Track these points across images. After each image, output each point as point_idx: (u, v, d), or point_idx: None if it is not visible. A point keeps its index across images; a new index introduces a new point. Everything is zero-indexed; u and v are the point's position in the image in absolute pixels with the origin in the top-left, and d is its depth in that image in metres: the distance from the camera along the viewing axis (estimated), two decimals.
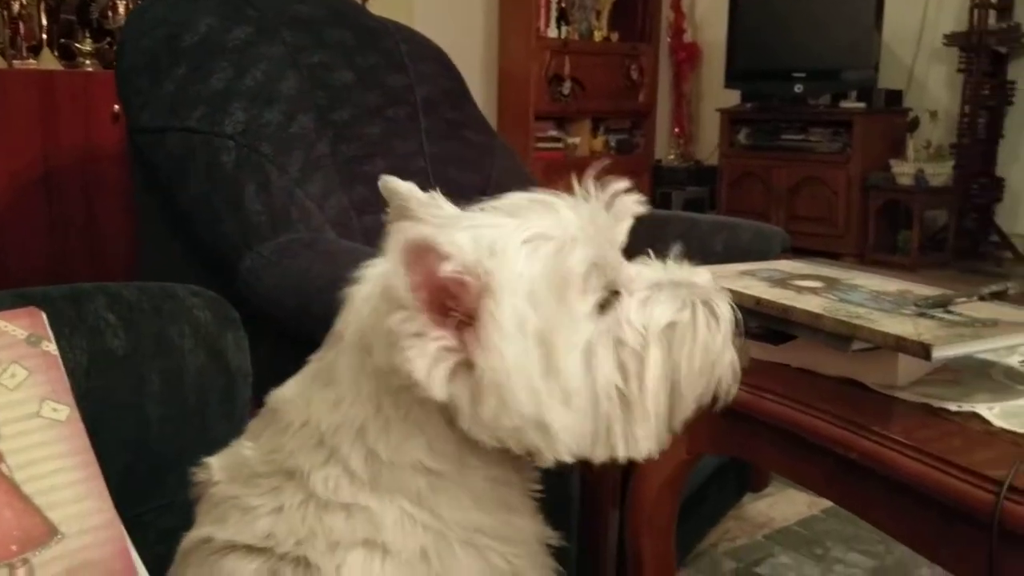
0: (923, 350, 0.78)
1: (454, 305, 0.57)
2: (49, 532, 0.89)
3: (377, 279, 0.63)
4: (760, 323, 0.96)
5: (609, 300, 0.62)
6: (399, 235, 0.57)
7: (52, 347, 0.98)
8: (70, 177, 2.42)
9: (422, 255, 0.55)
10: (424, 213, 0.66)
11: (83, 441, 0.95)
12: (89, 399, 1.01)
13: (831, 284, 0.97)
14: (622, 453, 0.62)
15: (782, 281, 0.98)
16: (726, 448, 0.99)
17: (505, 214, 0.63)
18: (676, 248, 0.71)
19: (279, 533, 0.62)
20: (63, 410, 0.96)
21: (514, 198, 0.65)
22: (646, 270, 0.68)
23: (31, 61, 2.57)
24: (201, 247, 1.52)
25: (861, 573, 1.66)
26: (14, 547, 0.86)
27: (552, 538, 0.72)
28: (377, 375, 0.61)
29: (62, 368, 0.98)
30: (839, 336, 0.84)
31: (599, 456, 0.62)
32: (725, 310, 0.67)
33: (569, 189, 0.71)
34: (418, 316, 0.56)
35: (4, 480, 0.88)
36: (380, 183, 0.71)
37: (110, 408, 1.05)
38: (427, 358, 0.57)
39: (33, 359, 0.95)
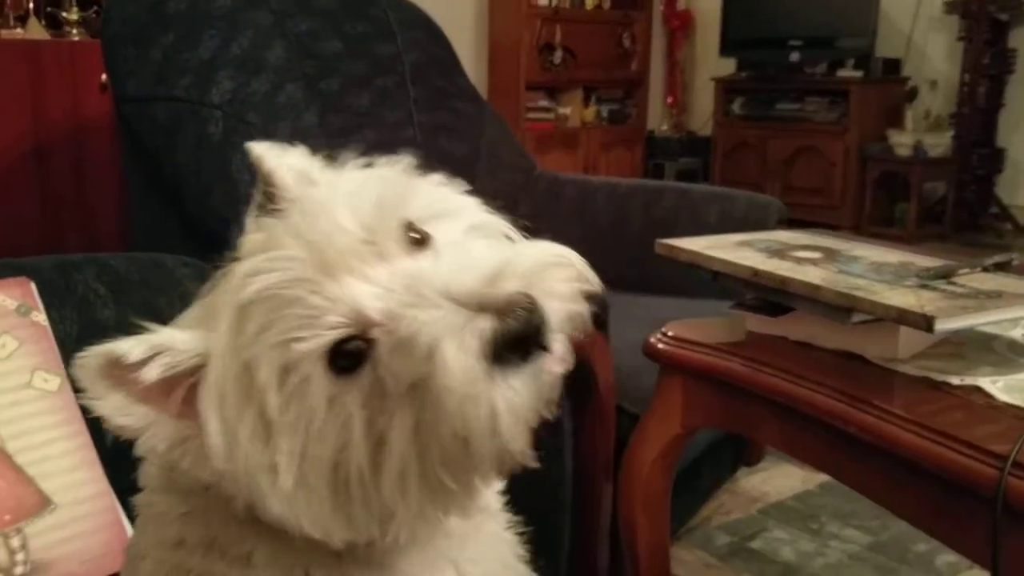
0: (925, 322, 0.77)
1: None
2: (42, 502, 0.88)
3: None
4: (757, 295, 0.95)
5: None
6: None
7: (42, 317, 0.97)
8: (59, 147, 2.38)
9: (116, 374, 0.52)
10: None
11: (75, 411, 0.94)
12: None
13: (830, 255, 0.96)
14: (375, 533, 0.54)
15: (780, 252, 0.97)
16: (721, 422, 0.98)
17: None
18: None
19: (188, 536, 0.59)
20: (54, 380, 0.95)
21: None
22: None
23: (18, 30, 2.52)
24: (190, 217, 1.50)
25: (857, 549, 1.66)
26: (7, 517, 0.85)
27: None
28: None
29: (52, 338, 0.96)
30: (839, 308, 0.83)
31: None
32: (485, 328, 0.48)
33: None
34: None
35: None
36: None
37: None
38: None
39: (24, 329, 0.94)
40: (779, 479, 1.92)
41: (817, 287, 0.85)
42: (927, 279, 0.89)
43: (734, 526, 1.75)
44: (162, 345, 0.53)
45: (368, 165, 0.60)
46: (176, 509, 0.59)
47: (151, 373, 0.52)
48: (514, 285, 0.49)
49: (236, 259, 0.56)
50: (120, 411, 0.53)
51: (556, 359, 0.52)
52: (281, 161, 0.63)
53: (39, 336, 0.95)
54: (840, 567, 1.61)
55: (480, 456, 0.49)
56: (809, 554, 1.64)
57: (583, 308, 0.54)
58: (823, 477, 1.89)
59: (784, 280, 0.87)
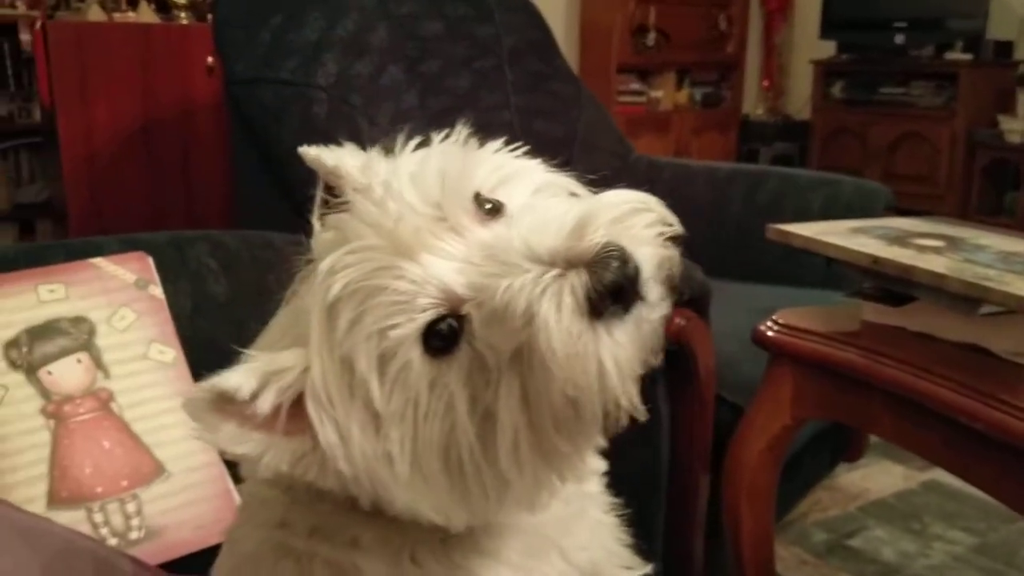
0: None
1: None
2: (157, 469, 0.91)
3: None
4: (876, 283, 0.92)
5: None
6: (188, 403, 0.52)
7: (159, 291, 1.00)
8: (167, 128, 2.47)
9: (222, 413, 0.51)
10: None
11: (188, 383, 0.97)
12: (192, 343, 1.03)
13: (954, 243, 0.92)
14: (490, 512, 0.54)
15: (900, 239, 0.93)
16: (834, 413, 0.95)
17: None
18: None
19: (293, 520, 0.59)
20: (169, 352, 0.98)
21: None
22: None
23: (130, 14, 2.62)
24: (294, 198, 1.52)
25: (962, 551, 1.60)
26: (124, 482, 0.89)
27: None
28: None
29: (168, 312, 1.00)
30: (966, 299, 0.80)
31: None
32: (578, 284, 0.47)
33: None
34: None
35: (115, 419, 0.91)
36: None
37: (212, 352, 1.07)
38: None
39: (141, 302, 0.97)
40: (880, 476, 1.86)
41: (942, 276, 0.81)
42: None
43: (832, 523, 1.70)
44: (271, 372, 0.52)
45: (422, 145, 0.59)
46: (281, 497, 0.60)
47: (265, 404, 0.51)
48: (599, 236, 0.47)
49: (310, 261, 0.56)
50: (236, 441, 0.52)
51: (655, 305, 0.50)
52: (342, 157, 0.63)
53: (156, 309, 0.98)
54: (944, 569, 1.55)
55: (591, 414, 0.48)
56: (911, 555, 1.59)
57: (672, 251, 0.52)
58: (925, 475, 1.82)
59: (907, 268, 0.83)
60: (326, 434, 0.51)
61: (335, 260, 0.51)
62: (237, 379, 0.51)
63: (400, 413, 0.50)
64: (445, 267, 0.50)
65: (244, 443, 0.52)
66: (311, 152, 0.64)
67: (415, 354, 0.49)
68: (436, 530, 0.55)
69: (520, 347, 0.47)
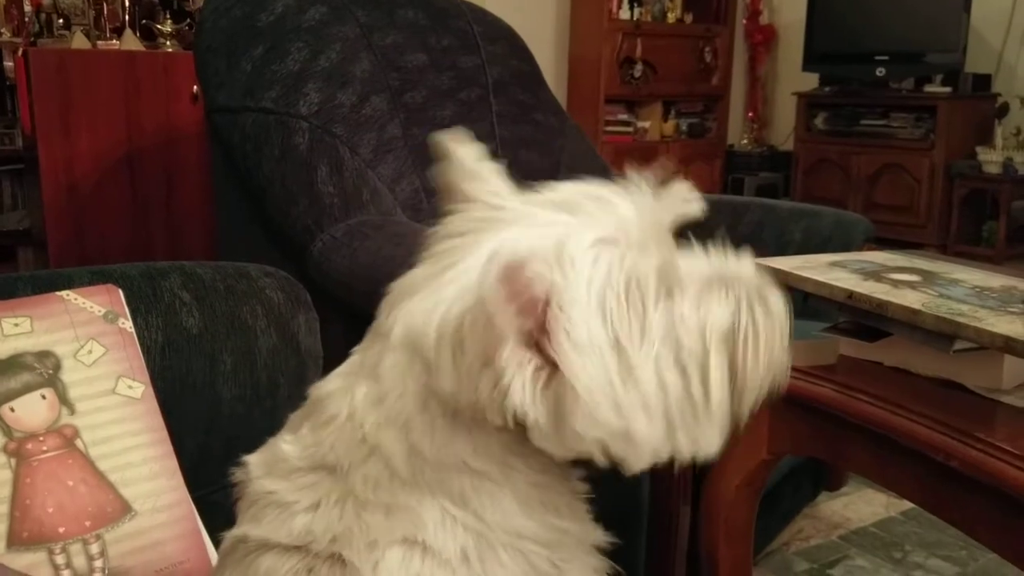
0: None
1: (527, 321, 0.54)
2: (122, 509, 0.89)
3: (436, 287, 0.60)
4: (852, 318, 0.91)
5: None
6: (494, 257, 0.53)
7: (128, 324, 0.98)
8: (151, 156, 2.46)
9: (518, 279, 0.52)
10: (481, 194, 0.64)
11: (157, 419, 0.96)
12: (163, 377, 1.02)
13: (929, 278, 0.92)
14: (687, 455, 0.61)
15: (875, 274, 0.93)
16: (810, 449, 0.94)
17: (562, 210, 0.60)
18: (720, 234, 0.67)
19: (316, 530, 0.60)
20: (138, 387, 0.96)
21: (566, 191, 0.62)
22: (694, 263, 0.64)
23: (114, 42, 2.62)
24: (274, 228, 1.52)
25: None
26: (88, 523, 0.87)
27: (603, 541, 0.70)
28: (426, 376, 0.59)
29: (138, 345, 0.98)
30: (940, 335, 0.79)
31: (666, 460, 0.61)
32: (779, 305, 0.63)
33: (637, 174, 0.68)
34: (514, 345, 0.54)
35: (80, 456, 0.89)
36: (434, 139, 0.67)
37: (183, 387, 1.05)
38: (524, 385, 0.54)
39: (110, 336, 0.96)
40: (861, 505, 1.86)
41: (917, 312, 0.81)
42: None
43: (814, 552, 1.69)
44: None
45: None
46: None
47: (540, 288, 0.53)
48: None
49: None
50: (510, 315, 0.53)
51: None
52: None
53: (125, 343, 0.97)
54: None
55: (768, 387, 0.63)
56: None
57: None
58: (907, 504, 1.82)
59: (881, 304, 0.83)
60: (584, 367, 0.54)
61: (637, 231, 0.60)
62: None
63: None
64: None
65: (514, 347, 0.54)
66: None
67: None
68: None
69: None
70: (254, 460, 0.67)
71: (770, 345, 0.62)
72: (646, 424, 0.57)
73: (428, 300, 0.59)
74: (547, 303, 0.54)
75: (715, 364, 0.60)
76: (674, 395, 0.58)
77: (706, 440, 0.61)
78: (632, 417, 0.56)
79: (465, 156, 0.66)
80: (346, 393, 0.62)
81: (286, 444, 0.64)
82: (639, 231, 0.59)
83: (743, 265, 0.65)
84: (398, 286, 0.63)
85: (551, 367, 0.55)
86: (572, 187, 0.63)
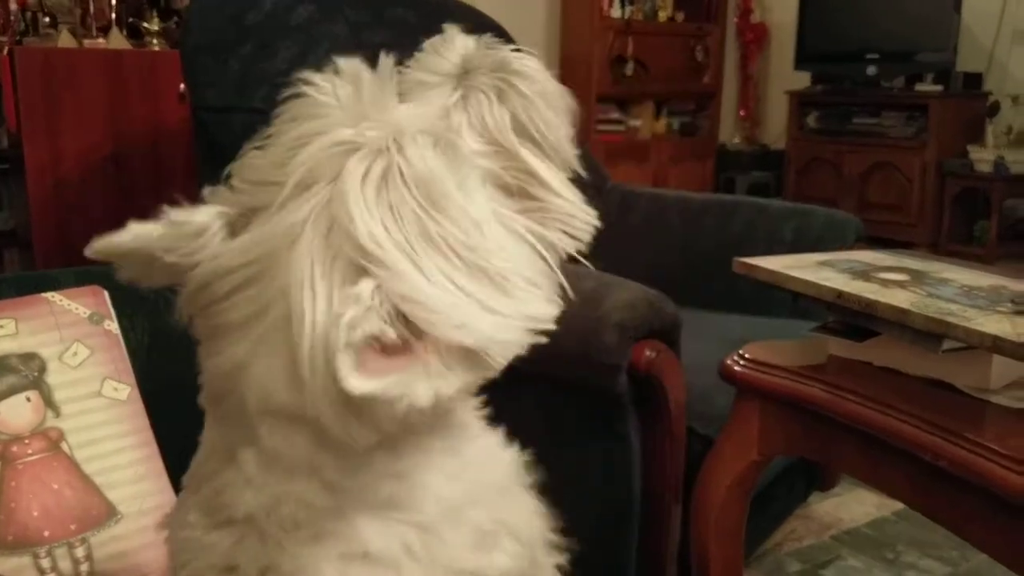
0: (1022, 351, 0.73)
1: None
2: (108, 512, 0.89)
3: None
4: (841, 317, 0.91)
5: None
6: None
7: (114, 326, 0.98)
8: (137, 155, 2.44)
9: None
10: None
11: (143, 421, 0.95)
12: (149, 379, 1.01)
13: (918, 277, 0.92)
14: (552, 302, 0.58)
15: (864, 273, 0.93)
16: (801, 450, 0.94)
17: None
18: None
19: (241, 562, 0.58)
20: (124, 389, 0.95)
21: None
22: (420, 106, 0.59)
23: (100, 40, 2.60)
24: None
25: None
26: (74, 526, 0.86)
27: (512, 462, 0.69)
28: (312, 425, 0.54)
29: (123, 347, 0.97)
30: (929, 334, 0.79)
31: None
32: (519, 62, 0.62)
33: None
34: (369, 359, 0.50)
35: (65, 459, 0.88)
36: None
37: (169, 388, 1.05)
38: (406, 381, 0.51)
39: (96, 338, 0.95)
40: (853, 505, 1.85)
41: (905, 311, 0.80)
42: (1022, 304, 0.83)
43: (806, 553, 1.69)
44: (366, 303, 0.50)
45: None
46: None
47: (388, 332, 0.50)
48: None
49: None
50: (409, 379, 0.50)
51: None
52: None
53: (110, 345, 0.96)
54: None
55: None
56: None
57: None
58: (899, 504, 1.82)
59: (870, 303, 0.83)
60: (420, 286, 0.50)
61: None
62: (375, 324, 0.49)
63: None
64: None
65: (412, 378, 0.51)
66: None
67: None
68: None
69: None
70: (166, 520, 0.65)
71: (545, 95, 0.62)
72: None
73: (258, 363, 0.54)
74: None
75: (527, 154, 0.59)
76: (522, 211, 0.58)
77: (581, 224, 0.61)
78: (485, 296, 0.53)
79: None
80: (233, 468, 0.58)
81: (190, 514, 0.62)
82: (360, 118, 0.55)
83: (466, 56, 0.62)
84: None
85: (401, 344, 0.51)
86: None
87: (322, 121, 0.55)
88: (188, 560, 0.61)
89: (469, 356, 0.53)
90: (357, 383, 0.48)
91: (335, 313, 0.49)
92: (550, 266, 0.58)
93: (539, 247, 0.58)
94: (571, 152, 0.63)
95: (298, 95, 0.58)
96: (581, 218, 0.61)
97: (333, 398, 0.50)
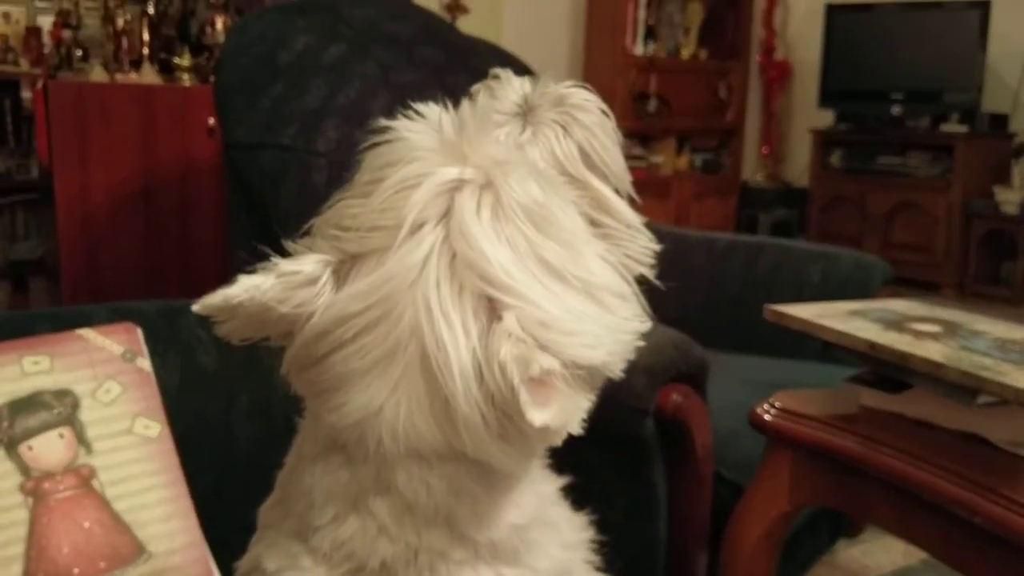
0: None
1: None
2: (137, 550, 0.89)
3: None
4: (873, 368, 0.91)
5: None
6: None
7: (147, 364, 0.98)
8: (167, 190, 2.47)
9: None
10: None
11: (173, 459, 0.95)
12: (179, 417, 1.02)
13: (951, 329, 0.91)
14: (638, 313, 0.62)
15: (897, 324, 0.92)
16: (832, 501, 0.93)
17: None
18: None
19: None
20: (155, 427, 0.96)
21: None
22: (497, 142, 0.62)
23: (132, 75, 2.65)
24: None
25: None
26: (103, 564, 0.86)
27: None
28: (453, 466, 0.56)
29: (155, 385, 0.98)
30: (963, 388, 0.78)
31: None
32: (574, 95, 0.65)
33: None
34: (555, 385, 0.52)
35: (96, 496, 0.88)
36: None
37: (199, 426, 1.05)
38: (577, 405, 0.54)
39: (128, 375, 0.96)
40: (879, 553, 1.83)
41: (940, 365, 0.80)
42: None
43: None
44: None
45: None
46: None
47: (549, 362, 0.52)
48: None
49: None
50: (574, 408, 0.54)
51: None
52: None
53: (143, 382, 0.96)
54: None
55: None
56: None
57: None
58: (925, 553, 1.79)
59: (903, 355, 0.82)
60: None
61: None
62: (549, 361, 0.51)
63: None
64: None
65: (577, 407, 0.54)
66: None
67: None
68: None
69: None
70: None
71: (603, 125, 0.65)
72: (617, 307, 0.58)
73: (396, 406, 0.54)
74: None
75: (595, 182, 0.63)
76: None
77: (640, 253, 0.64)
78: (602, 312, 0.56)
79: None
80: (362, 516, 0.59)
81: (303, 560, 0.62)
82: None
83: (527, 95, 0.65)
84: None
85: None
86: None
87: (423, 163, 0.56)
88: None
89: (590, 377, 0.55)
90: (539, 415, 0.50)
91: (492, 348, 0.51)
92: (630, 284, 0.61)
93: (619, 267, 0.61)
94: (627, 178, 0.66)
95: (388, 140, 0.59)
96: (642, 242, 0.64)
97: (494, 431, 0.52)
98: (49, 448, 0.87)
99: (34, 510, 0.84)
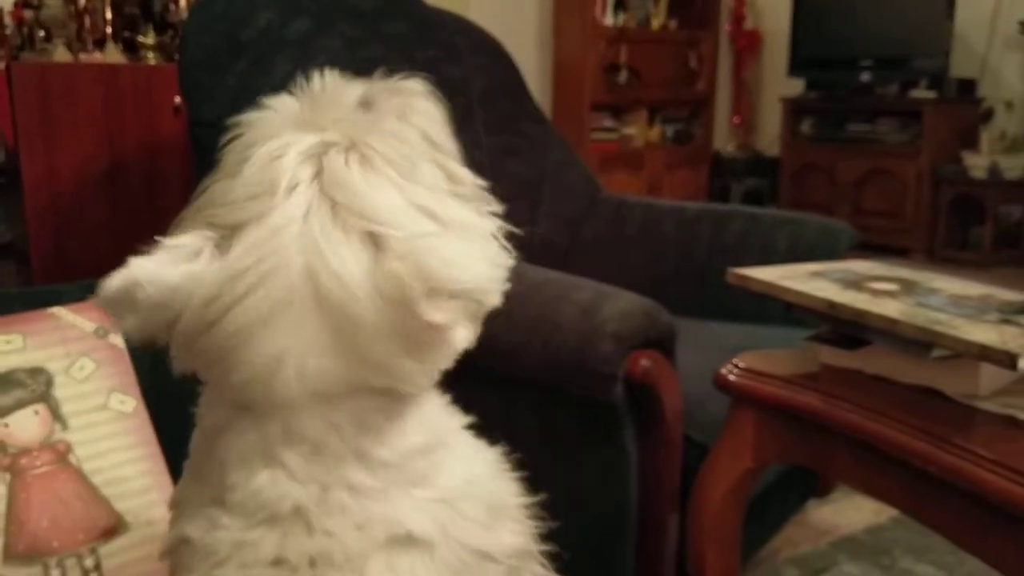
0: (1009, 359, 0.75)
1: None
2: (116, 523, 0.90)
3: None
4: (833, 327, 0.93)
5: None
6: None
7: (119, 340, 0.99)
8: (133, 169, 2.45)
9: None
10: None
11: (149, 433, 0.96)
12: (154, 391, 1.03)
13: (908, 287, 0.93)
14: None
15: (856, 283, 0.95)
16: (795, 457, 0.96)
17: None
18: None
19: (290, 554, 0.62)
20: (130, 402, 0.97)
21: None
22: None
23: (96, 54, 2.61)
24: None
25: None
26: (82, 536, 0.88)
27: None
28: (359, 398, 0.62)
29: (128, 360, 0.99)
30: (918, 343, 0.81)
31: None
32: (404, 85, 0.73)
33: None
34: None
35: (73, 471, 0.90)
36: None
37: (174, 400, 1.06)
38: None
39: (102, 351, 0.97)
40: (850, 511, 1.87)
41: (895, 321, 0.82)
42: (1009, 314, 0.85)
43: (803, 559, 1.70)
44: None
45: None
46: None
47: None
48: None
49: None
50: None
51: None
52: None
53: (116, 358, 0.98)
54: None
55: None
56: None
57: None
58: (895, 511, 1.83)
59: (861, 313, 0.85)
60: None
61: None
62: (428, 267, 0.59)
63: None
64: None
65: None
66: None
67: None
68: None
69: None
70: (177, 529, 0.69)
71: (437, 113, 0.72)
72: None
73: (297, 346, 0.59)
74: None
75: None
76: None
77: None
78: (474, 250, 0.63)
79: None
80: (271, 468, 0.62)
81: (221, 519, 0.64)
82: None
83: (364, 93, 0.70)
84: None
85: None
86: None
87: (287, 136, 0.62)
88: (226, 557, 0.63)
89: (470, 303, 0.61)
90: (436, 314, 0.57)
91: (386, 268, 0.57)
92: (491, 226, 0.67)
93: (477, 212, 0.67)
94: (458, 155, 0.72)
95: (242, 121, 0.68)
96: (491, 204, 0.70)
97: (398, 346, 0.58)
98: (24, 425, 0.88)
99: (12, 485, 0.85)
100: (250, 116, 0.68)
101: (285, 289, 0.58)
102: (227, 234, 0.61)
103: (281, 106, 0.68)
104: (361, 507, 0.62)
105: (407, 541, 0.62)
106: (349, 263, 0.58)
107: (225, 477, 0.64)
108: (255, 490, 0.62)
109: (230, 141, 0.68)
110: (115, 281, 0.61)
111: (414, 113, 0.69)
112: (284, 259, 0.58)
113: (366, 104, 0.69)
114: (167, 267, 0.60)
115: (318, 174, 0.61)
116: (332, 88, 0.69)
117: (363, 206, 0.59)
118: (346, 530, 0.61)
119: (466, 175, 0.69)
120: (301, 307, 0.58)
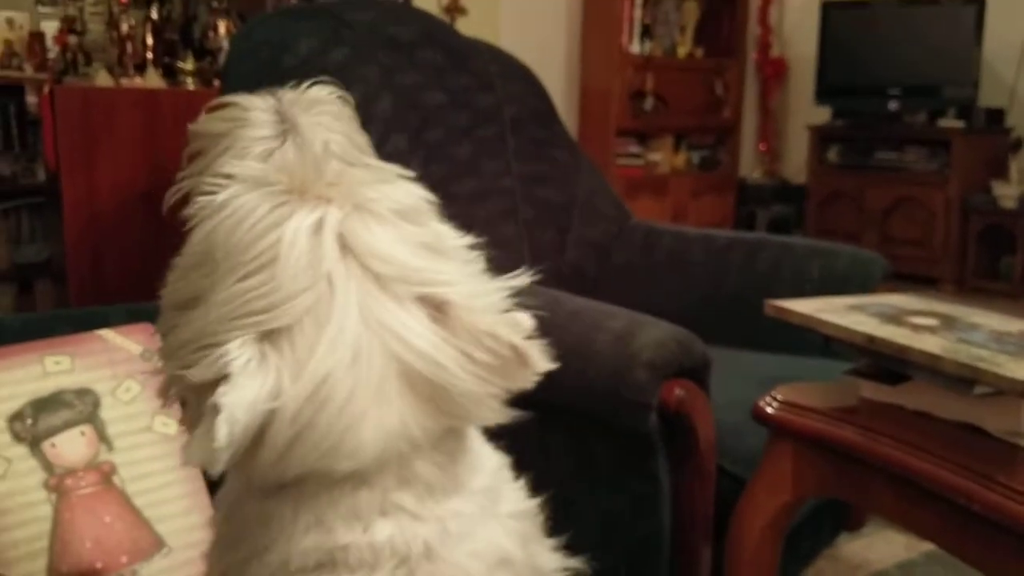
0: None
1: None
2: (156, 544, 0.91)
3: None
4: (872, 361, 0.93)
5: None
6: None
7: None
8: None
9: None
10: None
11: None
12: None
13: (948, 322, 0.93)
14: None
15: (895, 317, 0.95)
16: (833, 491, 0.96)
17: None
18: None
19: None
20: (173, 424, 0.99)
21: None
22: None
23: (137, 79, 2.66)
24: None
25: None
26: (124, 558, 0.89)
27: None
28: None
29: None
30: (960, 379, 0.81)
31: None
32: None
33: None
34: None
35: (117, 492, 0.91)
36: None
37: None
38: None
39: (147, 374, 0.98)
40: (881, 546, 1.85)
41: (937, 357, 0.82)
42: None
43: None
44: None
45: None
46: None
47: None
48: None
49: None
50: None
51: None
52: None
53: None
54: None
55: None
56: None
57: None
58: (928, 545, 1.81)
59: (902, 348, 0.85)
60: None
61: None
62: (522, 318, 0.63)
63: None
64: None
65: None
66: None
67: None
68: None
69: None
70: None
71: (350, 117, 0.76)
72: None
73: (397, 419, 0.60)
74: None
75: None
76: None
77: None
78: None
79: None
80: (385, 520, 0.63)
81: None
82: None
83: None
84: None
85: None
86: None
87: (293, 220, 0.59)
88: None
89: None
90: (544, 363, 0.61)
91: (463, 325, 0.59)
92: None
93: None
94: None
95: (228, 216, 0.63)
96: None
97: (484, 395, 0.61)
98: (71, 445, 0.89)
99: (57, 506, 0.87)
100: (224, 194, 0.63)
101: (376, 375, 0.58)
102: (270, 335, 0.57)
103: (251, 175, 0.64)
104: (472, 534, 0.64)
105: (507, 562, 0.65)
106: (424, 335, 0.58)
107: (323, 541, 0.62)
108: (384, 540, 0.62)
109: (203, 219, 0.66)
110: (224, 429, 0.55)
111: (333, 119, 0.72)
112: (358, 350, 0.57)
113: (284, 122, 0.70)
114: (246, 392, 0.56)
115: (345, 248, 0.58)
116: (306, 142, 0.69)
117: (404, 272, 0.59)
118: (468, 559, 0.64)
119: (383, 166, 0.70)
120: (391, 387, 0.58)
